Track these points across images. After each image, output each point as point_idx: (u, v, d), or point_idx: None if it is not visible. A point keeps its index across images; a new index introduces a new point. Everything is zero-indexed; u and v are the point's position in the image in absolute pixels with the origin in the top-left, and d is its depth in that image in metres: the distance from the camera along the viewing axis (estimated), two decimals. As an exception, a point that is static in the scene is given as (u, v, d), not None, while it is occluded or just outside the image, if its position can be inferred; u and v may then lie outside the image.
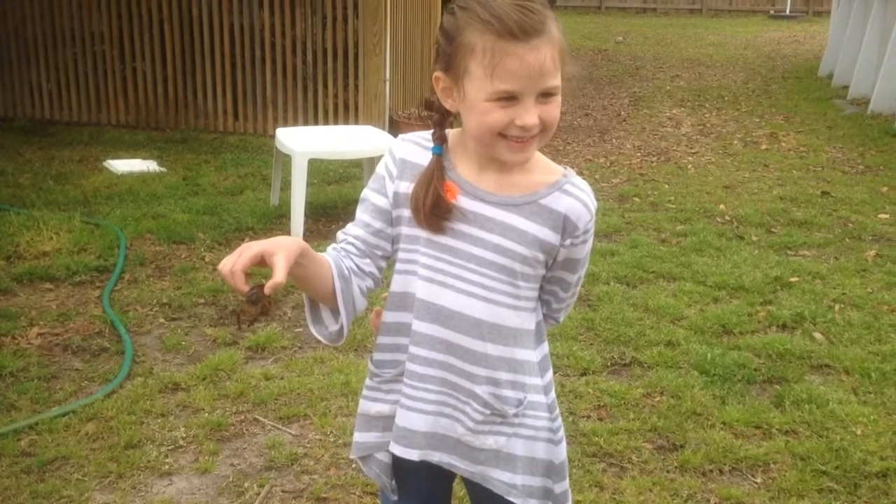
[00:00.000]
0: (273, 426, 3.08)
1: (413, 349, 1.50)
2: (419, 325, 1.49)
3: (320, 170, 6.59)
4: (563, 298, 1.57)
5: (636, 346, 3.77)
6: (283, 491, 2.70)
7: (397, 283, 1.53)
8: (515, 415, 1.50)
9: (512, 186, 1.45)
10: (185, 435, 3.00)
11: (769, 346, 3.78)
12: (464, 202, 1.46)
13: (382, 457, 1.57)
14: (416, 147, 1.50)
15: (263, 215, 5.50)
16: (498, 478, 1.51)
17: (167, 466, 2.82)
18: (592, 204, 1.47)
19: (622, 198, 6.24)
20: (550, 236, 1.45)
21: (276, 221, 5.43)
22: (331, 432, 3.03)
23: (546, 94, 1.37)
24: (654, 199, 6.18)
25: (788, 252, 5.10)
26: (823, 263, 4.89)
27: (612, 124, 8.97)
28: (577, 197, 1.46)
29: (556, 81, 1.37)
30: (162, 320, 3.98)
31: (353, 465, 2.83)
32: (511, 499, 1.50)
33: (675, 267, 4.76)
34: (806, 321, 4.06)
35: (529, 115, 1.38)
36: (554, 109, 1.40)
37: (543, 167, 1.48)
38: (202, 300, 4.18)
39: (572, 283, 1.55)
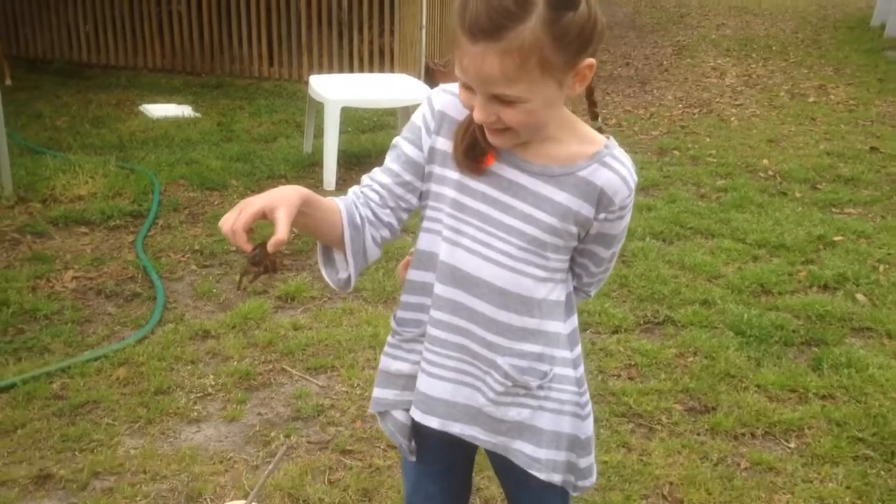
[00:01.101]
0: (300, 376, 3.08)
1: (434, 313, 1.45)
2: (441, 289, 1.44)
3: (354, 118, 6.53)
4: (594, 273, 1.51)
5: (670, 304, 3.70)
6: (308, 442, 2.71)
7: (423, 242, 1.48)
8: (540, 387, 1.45)
9: (551, 156, 1.38)
10: (213, 383, 3.01)
11: (809, 307, 3.68)
12: (500, 168, 1.39)
13: (399, 416, 1.54)
14: (456, 100, 1.43)
15: (296, 163, 5.46)
16: (520, 449, 1.47)
17: (196, 413, 2.83)
18: (632, 178, 1.39)
19: (661, 151, 6.11)
20: (585, 209, 1.38)
21: (309, 170, 5.40)
22: (357, 384, 3.02)
23: (500, 98, 1.27)
24: (694, 152, 6.04)
25: (833, 210, 4.96)
26: (869, 222, 4.75)
27: (654, 74, 8.76)
28: (615, 171, 1.38)
29: (509, 90, 1.23)
30: (194, 267, 3.98)
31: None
32: (533, 472, 1.46)
33: (713, 223, 4.65)
34: (848, 282, 3.95)
35: (478, 111, 1.29)
36: (513, 115, 1.27)
37: (584, 136, 1.39)
38: (233, 248, 4.17)
39: (605, 258, 1.48)
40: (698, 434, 2.81)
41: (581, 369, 1.51)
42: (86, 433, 2.70)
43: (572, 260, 1.46)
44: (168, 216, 4.59)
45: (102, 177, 4.96)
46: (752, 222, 4.66)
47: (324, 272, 1.45)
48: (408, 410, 1.52)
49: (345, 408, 2.89)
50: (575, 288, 1.51)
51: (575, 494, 1.56)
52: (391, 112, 6.33)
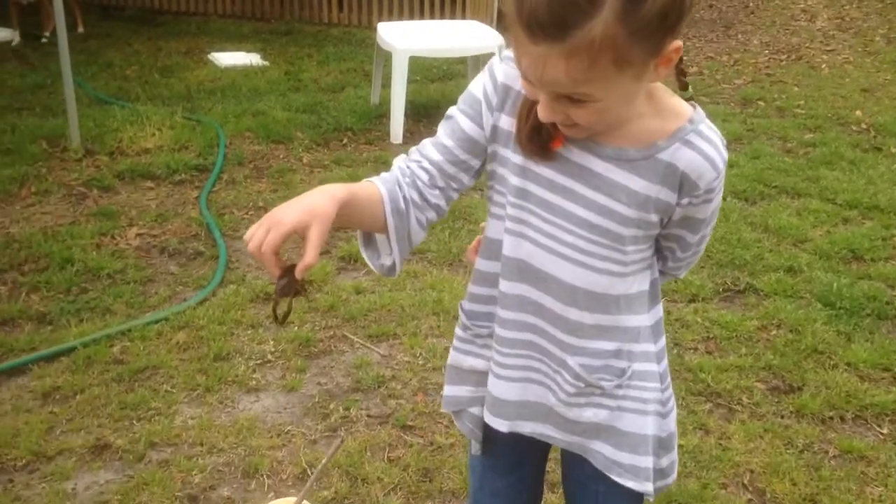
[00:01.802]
0: (361, 344, 2.99)
1: (501, 312, 1.31)
2: (506, 286, 1.30)
3: (423, 66, 6.35)
4: (682, 258, 1.34)
5: (752, 271, 3.48)
6: (368, 416, 2.61)
7: (492, 229, 1.33)
8: (618, 386, 1.30)
9: (627, 137, 1.20)
10: (273, 349, 2.94)
11: (905, 275, 3.42)
12: (569, 151, 1.23)
13: (476, 411, 1.42)
14: None
15: (363, 115, 5.33)
16: (599, 450, 1.33)
17: (254, 382, 2.77)
18: (720, 158, 1.20)
19: (745, 101, 5.77)
20: (665, 195, 1.21)
21: (376, 122, 5.26)
22: (420, 354, 2.91)
23: (568, 97, 1.09)
24: (780, 103, 5.69)
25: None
26: (972, 181, 4.39)
27: (739, 17, 8.30)
28: (700, 151, 1.19)
29: (578, 90, 1.07)
30: (256, 225, 3.90)
31: (442, 394, 2.71)
32: (613, 476, 1.32)
33: (800, 181, 4.36)
34: (946, 248, 3.66)
35: (543, 110, 1.13)
36: (584, 114, 1.11)
37: (666, 109, 1.20)
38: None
39: (692, 242, 1.31)
40: (782, 417, 2.62)
41: (665, 362, 1.35)
42: (144, 401, 2.66)
43: (657, 242, 1.30)
44: (233, 170, 4.52)
45: (169, 129, 4.92)
46: (844, 181, 4.36)
47: (364, 255, 1.31)
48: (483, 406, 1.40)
49: (406, 379, 2.78)
50: (661, 272, 1.35)
51: (651, 499, 1.42)
52: (461, 61, 6.13)
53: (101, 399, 2.66)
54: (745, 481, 2.35)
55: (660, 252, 1.32)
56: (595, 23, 0.99)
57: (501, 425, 1.35)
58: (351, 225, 1.21)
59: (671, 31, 1.04)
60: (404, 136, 4.96)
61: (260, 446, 2.47)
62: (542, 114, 1.13)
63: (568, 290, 1.26)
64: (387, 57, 5.22)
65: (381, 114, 5.34)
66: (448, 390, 1.44)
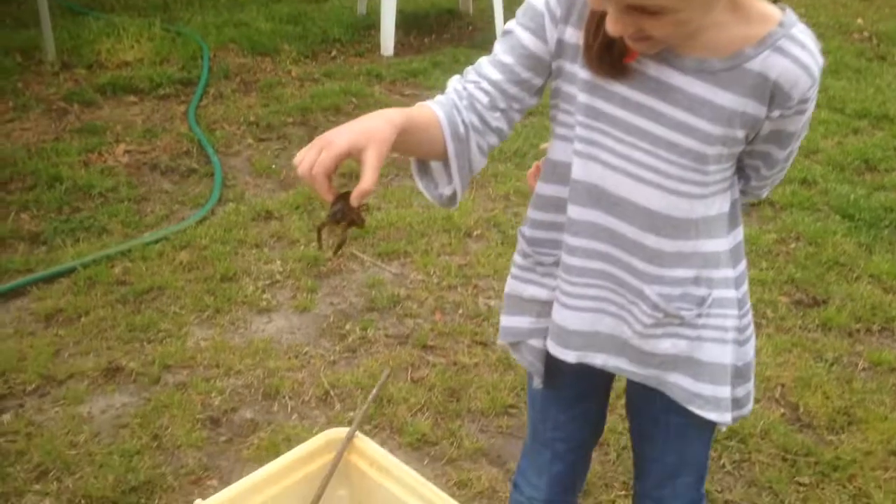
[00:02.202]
0: (372, 263, 2.88)
1: (570, 239, 1.21)
2: (576, 211, 1.19)
3: (410, -26, 6.08)
4: (767, 176, 1.23)
5: (767, 183, 3.40)
6: (386, 336, 2.53)
7: (558, 150, 1.22)
8: (698, 315, 1.21)
9: (709, 46, 1.07)
10: (281, 269, 2.83)
11: (918, 185, 3.37)
12: (644, 64, 1.11)
13: (536, 343, 1.33)
14: None
15: (350, 25, 5.10)
16: (677, 382, 1.25)
17: (265, 302, 2.66)
18: (816, 64, 1.08)
19: (744, 10, 5.62)
20: (753, 108, 1.09)
21: (364, 33, 5.05)
22: (434, 273, 2.82)
23: (642, 9, 0.98)
24: (780, 11, 5.55)
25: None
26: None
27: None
28: (794, 57, 1.07)
29: (652, 1, 0.96)
30: (250, 141, 3.75)
31: (460, 311, 2.63)
32: (693, 408, 1.25)
33: (807, 92, 4.26)
34: (959, 157, 3.60)
35: (612, 23, 1.02)
36: (659, 27, 1.00)
37: (752, 13, 1.07)
38: (291, 119, 3.93)
39: (780, 159, 1.20)
40: (809, 330, 2.58)
41: (744, 287, 1.27)
42: (153, 322, 2.55)
43: (739, 160, 1.19)
44: (219, 84, 4.31)
45: (148, 41, 4.67)
46: (850, 90, 4.27)
47: (420, 185, 1.20)
48: (545, 338, 1.30)
49: (422, 298, 2.69)
50: (742, 191, 1.25)
51: (723, 429, 1.35)
52: (449, -32, 5.87)
53: (107, 321, 2.54)
54: (777, 395, 2.32)
55: (741, 171, 1.21)
56: None
57: (568, 356, 1.27)
58: (408, 152, 1.10)
59: None
60: (396, 48, 4.76)
61: (278, 368, 2.38)
62: (612, 28, 1.01)
63: (645, 214, 1.16)
64: (375, -37, 4.98)
65: (370, 24, 5.12)
66: (506, 321, 1.35)
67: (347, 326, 2.56)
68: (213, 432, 2.17)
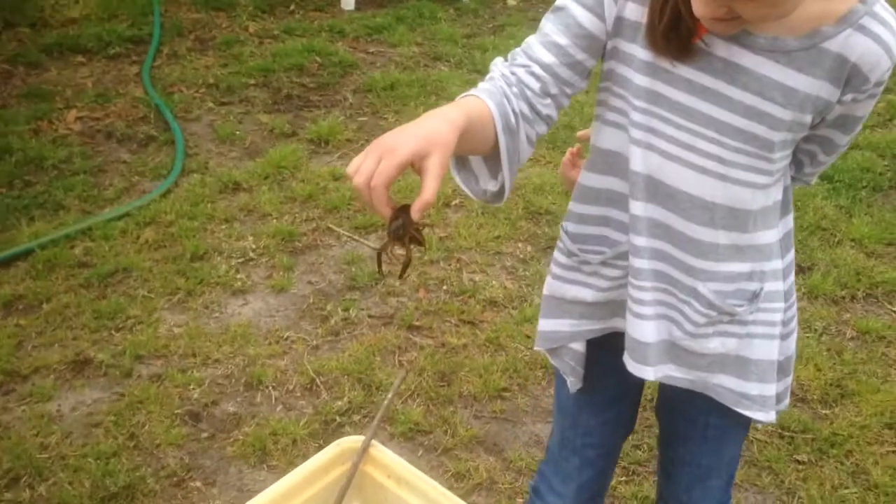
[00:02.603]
0: (349, 237, 2.77)
1: (635, 239, 1.12)
2: (639, 207, 1.11)
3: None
4: (823, 162, 1.16)
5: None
6: (370, 317, 2.44)
7: (606, 138, 1.12)
8: (750, 311, 1.14)
9: (782, 24, 0.98)
10: (254, 246, 2.71)
11: (894, 144, 3.35)
12: (711, 43, 1.01)
13: (578, 346, 1.25)
14: None
15: (308, -23, 4.88)
16: (722, 384, 1.18)
17: (240, 283, 2.55)
18: None
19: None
20: (827, 91, 1.02)
21: (325, -15, 4.83)
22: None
23: None
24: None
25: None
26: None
27: None
28: (876, 37, 0.99)
29: None
30: (211, 104, 3.57)
31: (445, 288, 2.55)
32: (741, 410, 1.19)
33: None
34: (933, 114, 3.59)
35: (701, 4, 0.93)
36: (753, 8, 0.92)
37: None
38: (252, 81, 3.75)
39: (841, 144, 1.13)
40: (797, 299, 2.55)
41: (791, 278, 1.20)
42: (120, 308, 2.42)
43: (795, 146, 1.12)
44: (173, 42, 4.10)
45: (94, -5, 4.41)
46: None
47: (458, 179, 1.10)
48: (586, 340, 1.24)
49: (387, 249, 2.59)
50: (792, 177, 1.18)
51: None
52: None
53: (71, 308, 2.41)
54: (770, 369, 2.29)
55: (793, 156, 1.14)
56: None
57: (648, 373, 1.18)
58: (464, 152, 0.99)
59: None
60: (357, 1, 4.58)
61: (259, 355, 2.28)
62: (700, 8, 0.92)
63: (703, 207, 1.08)
64: (331, -89, 4.75)
65: (328, -24, 4.91)
66: (545, 324, 1.26)
67: (328, 307, 2.46)
68: (193, 428, 2.07)
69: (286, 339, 2.34)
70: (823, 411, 2.17)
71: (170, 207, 2.85)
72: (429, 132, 0.91)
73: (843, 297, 2.57)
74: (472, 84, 2.93)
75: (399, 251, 0.97)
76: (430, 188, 0.89)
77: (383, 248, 1.01)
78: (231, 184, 3.01)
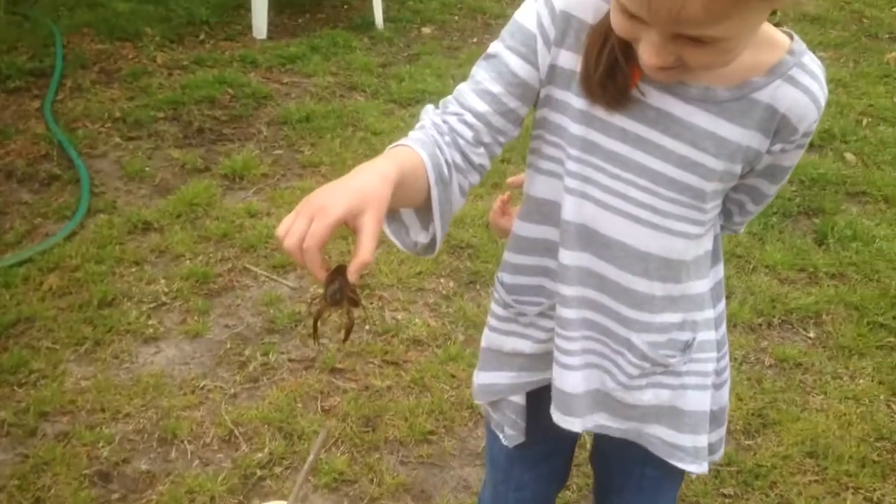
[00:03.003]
0: (267, 277, 2.69)
1: (563, 289, 1.10)
2: (568, 256, 1.08)
3: (277, -52, 5.76)
4: (751, 212, 1.17)
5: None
6: (290, 360, 2.37)
7: (540, 187, 1.10)
8: (682, 361, 1.13)
9: (714, 74, 0.98)
10: (166, 289, 2.60)
11: (800, 170, 3.44)
12: (648, 93, 1.00)
13: (518, 399, 1.22)
14: None
15: (218, 6, 4.78)
16: (656, 434, 1.17)
17: (151, 330, 2.44)
18: (824, 97, 1.02)
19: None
20: (757, 141, 1.02)
21: (234, 13, 4.74)
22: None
23: (691, 38, 0.87)
24: None
25: (804, 54, 4.66)
26: (843, 68, 4.49)
27: None
28: (805, 88, 1.00)
29: (710, 31, 0.85)
30: (117, 140, 3.44)
31: (367, 328, 2.50)
32: (674, 462, 1.17)
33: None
34: (835, 139, 3.72)
35: (648, 52, 0.90)
36: (702, 56, 0.89)
37: (761, 39, 0.98)
38: (161, 114, 3.63)
39: (769, 194, 1.13)
40: (716, 328, 2.58)
41: (723, 328, 1.20)
42: (23, 362, 2.28)
43: (724, 196, 1.11)
44: (76, 75, 3.94)
45: (-10, 26, 4.22)
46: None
47: (388, 231, 1.05)
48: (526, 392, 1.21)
49: (325, 315, 2.53)
50: (721, 227, 1.17)
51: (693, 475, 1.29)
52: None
53: (-32, 365, 2.26)
54: (693, 400, 2.30)
55: (722, 205, 1.13)
56: None
57: (575, 424, 1.16)
58: (395, 204, 0.95)
59: None
60: (269, 30, 4.50)
61: (173, 407, 2.18)
62: (651, 58, 0.90)
63: (638, 257, 1.06)
64: (241, -61, 4.67)
65: (238, 4, 4.81)
66: (484, 377, 1.23)
67: (247, 352, 2.38)
68: (103, 490, 1.96)
69: (202, 388, 2.25)
70: (747, 442, 2.19)
71: (75, 251, 2.72)
72: (361, 188, 0.87)
73: (760, 325, 2.61)
74: (389, 114, 2.93)
75: (340, 316, 0.93)
76: (366, 247, 0.85)
77: (318, 313, 0.97)
78: (140, 224, 2.89)
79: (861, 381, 2.40)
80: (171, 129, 3.52)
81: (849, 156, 3.61)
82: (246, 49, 4.32)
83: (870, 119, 3.94)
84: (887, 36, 4.95)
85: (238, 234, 2.86)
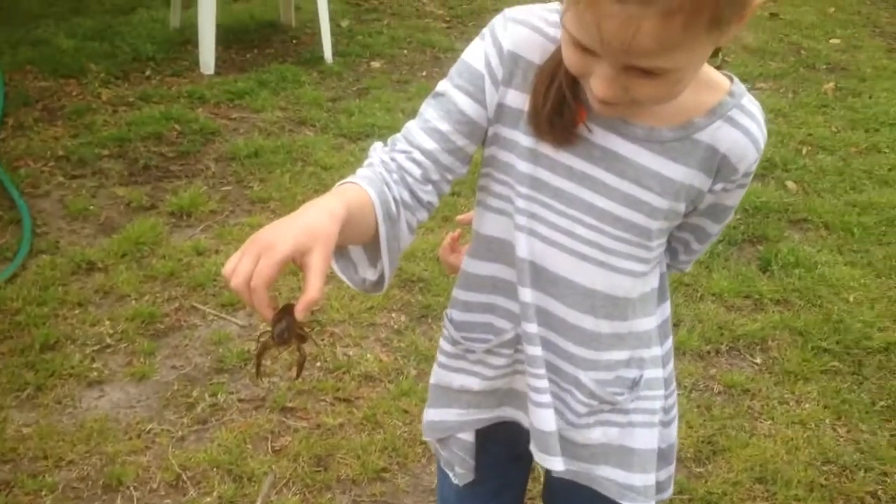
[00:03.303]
0: (215, 315, 2.66)
1: (528, 327, 1.10)
2: (528, 294, 1.09)
3: (224, -16, 5.76)
4: (696, 250, 1.18)
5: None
6: (239, 401, 2.33)
7: (490, 225, 1.11)
8: (630, 399, 1.14)
9: (659, 114, 1.00)
10: (111, 331, 2.55)
11: (744, 198, 3.45)
12: (591, 132, 1.02)
13: (467, 436, 1.22)
14: (533, 35, 1.01)
15: (165, 41, 4.75)
16: (607, 476, 1.17)
17: (96, 373, 2.38)
18: (763, 138, 1.04)
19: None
20: (700, 180, 1.04)
21: (180, 49, 4.71)
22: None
23: (641, 70, 0.89)
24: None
25: (745, 84, 4.77)
26: (783, 98, 4.61)
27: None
28: (744, 129, 1.02)
29: (660, 62, 0.86)
30: (61, 178, 3.38)
31: (318, 365, 2.47)
32: (625, 502, 1.17)
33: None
34: (777, 168, 3.81)
35: (600, 84, 0.90)
36: (651, 89, 0.90)
37: (701, 81, 1.00)
38: (106, 151, 3.59)
39: (712, 233, 1.15)
40: (666, 357, 2.61)
41: (671, 365, 1.21)
42: (-39, 409, 2.22)
43: (669, 234, 1.13)
44: (19, 113, 3.88)
45: (-72, 64, 4.15)
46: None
47: (336, 268, 1.04)
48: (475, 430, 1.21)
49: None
50: (667, 265, 1.19)
51: None
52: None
53: None
54: (644, 429, 2.32)
55: (668, 244, 1.15)
56: None
57: (556, 463, 1.15)
58: (343, 242, 0.95)
59: None
60: (217, 65, 4.48)
61: (118, 452, 2.13)
62: (604, 91, 0.90)
63: (584, 294, 1.07)
64: (187, -25, 4.66)
65: (186, 40, 4.79)
66: (433, 414, 1.23)
67: (195, 393, 2.34)
68: (47, 540, 1.90)
69: (148, 431, 2.20)
70: (698, 469, 2.21)
71: (16, 293, 2.65)
72: (309, 226, 0.86)
73: (709, 352, 2.65)
74: (339, 149, 2.92)
75: (291, 353, 0.92)
76: (314, 286, 0.83)
77: (261, 350, 0.96)
78: (84, 264, 2.84)
79: (807, 405, 2.44)
80: (116, 166, 3.48)
81: (790, 184, 3.70)
82: (193, 84, 4.30)
83: (809, 148, 4.04)
84: (824, 67, 5.10)
85: (185, 272, 2.83)
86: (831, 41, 5.51)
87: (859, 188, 3.68)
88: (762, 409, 2.42)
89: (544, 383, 1.12)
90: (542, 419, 1.14)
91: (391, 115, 3.99)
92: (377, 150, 1.04)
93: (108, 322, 2.58)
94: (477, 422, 1.21)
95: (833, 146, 4.05)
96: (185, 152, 3.62)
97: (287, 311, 0.89)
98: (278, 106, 4.13)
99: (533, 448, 1.16)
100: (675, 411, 1.23)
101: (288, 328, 0.89)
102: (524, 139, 1.03)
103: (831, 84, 4.79)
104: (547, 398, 1.13)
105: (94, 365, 2.41)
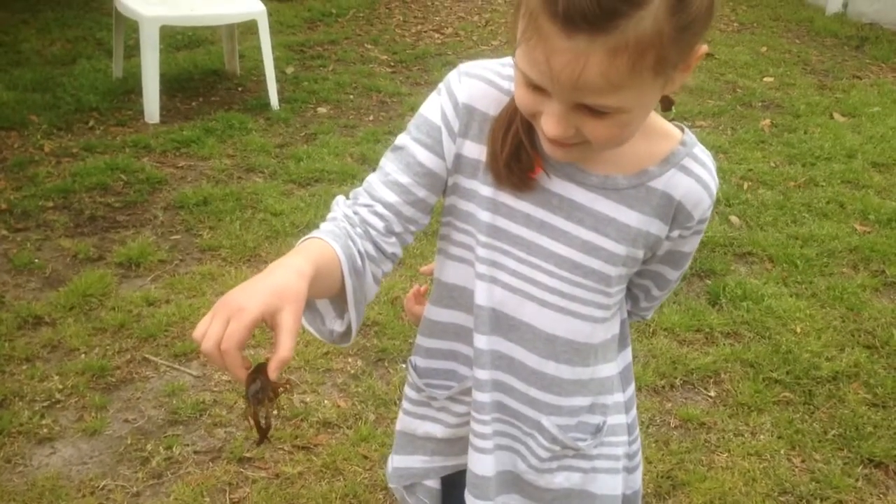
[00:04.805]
0: (168, 366, 2.61)
1: (479, 373, 1.12)
2: (482, 341, 1.10)
3: (166, 34, 5.75)
4: (656, 297, 1.21)
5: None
6: (195, 453, 2.28)
7: (450, 273, 1.12)
8: (593, 445, 1.15)
9: (614, 162, 1.03)
10: (61, 386, 2.48)
11: (690, 233, 3.59)
12: (548, 180, 1.04)
13: (433, 483, 1.22)
14: (488, 88, 1.04)
15: (107, 91, 4.71)
16: None
17: (46, 430, 2.32)
18: (715, 185, 1.08)
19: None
20: (656, 227, 1.07)
21: (124, 98, 4.68)
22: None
23: (590, 108, 0.90)
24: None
25: (685, 122, 4.91)
26: (722, 135, 4.74)
27: (479, -23, 8.40)
28: (697, 177, 1.06)
29: (608, 100, 0.88)
30: (4, 232, 3.31)
31: (277, 413, 2.43)
32: None
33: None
34: (720, 203, 3.90)
35: (550, 122, 0.92)
36: (601, 129, 0.92)
37: (655, 131, 1.05)
38: (51, 203, 3.53)
39: (672, 280, 1.18)
40: (622, 393, 2.64)
41: (634, 411, 1.23)
42: None
43: (629, 281, 1.15)
44: (-42, 166, 3.80)
45: None
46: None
47: (304, 319, 1.05)
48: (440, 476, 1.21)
49: (230, 402, 2.47)
50: (629, 311, 1.21)
51: None
52: (210, 27, 5.62)
53: None
54: (605, 466, 2.33)
55: (629, 291, 1.18)
56: (645, 13, 0.82)
57: None
58: (311, 296, 0.95)
59: (705, 28, 0.89)
60: (161, 114, 4.45)
61: (71, 511, 2.07)
62: (554, 129, 0.92)
63: (546, 340, 1.09)
64: (129, 25, 4.64)
65: (129, 89, 4.76)
66: (398, 461, 1.22)
67: (149, 447, 2.29)
68: None
69: (102, 488, 2.14)
70: (659, 504, 2.22)
71: (-40, 350, 2.58)
72: (278, 286, 0.87)
73: (664, 387, 2.68)
74: (289, 195, 2.94)
75: (257, 409, 0.91)
76: (285, 345, 0.84)
77: (255, 415, 0.94)
78: (31, 318, 2.77)
79: (762, 436, 2.48)
80: (61, 218, 3.42)
81: (733, 218, 3.80)
82: (138, 134, 4.26)
83: (750, 183, 4.16)
84: (760, 104, 5.27)
85: (136, 323, 2.78)
86: (765, 79, 5.69)
87: (800, 221, 3.79)
88: (718, 442, 2.46)
89: (487, 429, 1.13)
90: (481, 464, 1.15)
91: (339, 159, 4.00)
92: (340, 205, 1.06)
93: (57, 377, 2.52)
94: (442, 469, 1.21)
95: (773, 181, 4.17)
96: (132, 202, 3.58)
97: (260, 370, 0.88)
98: (226, 153, 4.12)
99: (467, 494, 1.17)
100: (639, 457, 1.25)
101: (262, 388, 0.89)
102: (483, 189, 1.05)
103: (767, 121, 4.95)
104: (489, 444, 1.14)
105: (44, 421, 2.34)
